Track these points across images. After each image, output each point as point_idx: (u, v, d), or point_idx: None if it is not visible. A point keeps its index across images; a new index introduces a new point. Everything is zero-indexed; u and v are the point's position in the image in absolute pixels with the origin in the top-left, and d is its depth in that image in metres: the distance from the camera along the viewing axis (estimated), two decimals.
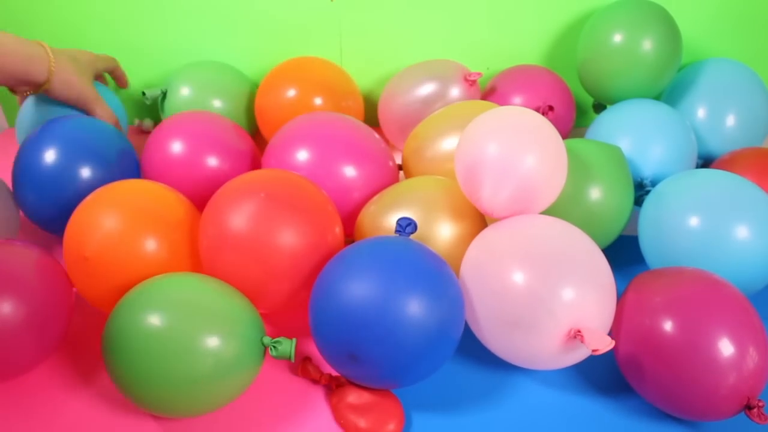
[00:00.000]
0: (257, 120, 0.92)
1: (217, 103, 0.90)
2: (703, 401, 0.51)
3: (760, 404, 0.50)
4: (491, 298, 0.55)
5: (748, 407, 0.50)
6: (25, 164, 0.70)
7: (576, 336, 0.51)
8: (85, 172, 0.69)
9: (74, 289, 0.61)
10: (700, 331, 0.51)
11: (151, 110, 1.00)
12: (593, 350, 0.49)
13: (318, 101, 0.87)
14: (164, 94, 0.92)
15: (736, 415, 0.51)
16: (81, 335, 0.64)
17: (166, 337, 0.50)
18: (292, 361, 0.55)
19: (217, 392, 0.52)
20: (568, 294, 0.52)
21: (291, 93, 0.87)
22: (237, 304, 0.55)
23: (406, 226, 0.57)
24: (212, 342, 0.51)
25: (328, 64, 0.93)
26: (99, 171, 0.69)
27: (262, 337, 0.55)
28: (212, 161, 0.74)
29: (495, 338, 0.57)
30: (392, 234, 0.61)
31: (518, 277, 0.53)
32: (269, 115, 0.89)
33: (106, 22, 0.94)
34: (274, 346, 0.54)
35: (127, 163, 0.74)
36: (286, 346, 0.55)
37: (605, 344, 0.49)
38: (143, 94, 0.92)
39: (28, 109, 0.81)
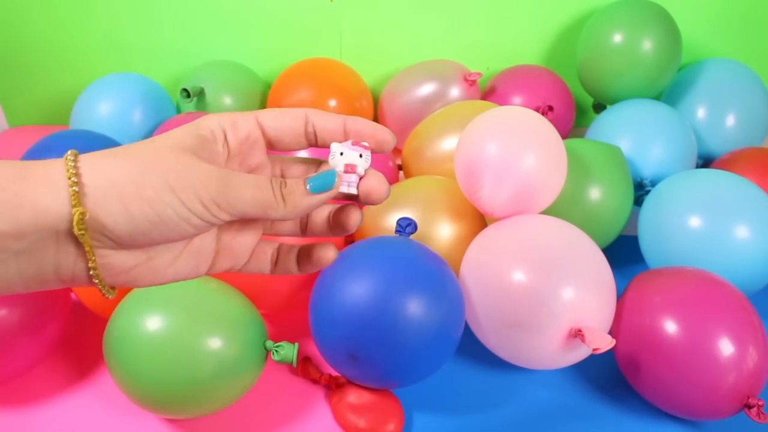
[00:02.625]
0: None
1: (229, 102, 0.90)
2: (702, 400, 0.51)
3: (760, 403, 0.50)
4: (491, 298, 0.55)
5: (748, 406, 0.50)
6: None
7: (577, 335, 0.51)
8: None
9: (72, 292, 0.61)
10: (699, 331, 0.51)
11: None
12: (594, 349, 0.49)
13: (332, 103, 0.87)
14: (203, 91, 0.89)
15: (735, 414, 0.51)
16: (79, 337, 0.64)
17: (169, 339, 0.50)
18: (294, 365, 0.55)
19: (219, 394, 0.52)
20: (568, 293, 0.52)
21: (305, 95, 0.88)
22: (239, 307, 0.55)
23: (406, 226, 0.57)
24: (214, 344, 0.51)
25: (340, 65, 0.93)
26: None
27: (264, 341, 0.55)
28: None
29: (495, 338, 0.57)
30: (392, 234, 0.61)
31: (518, 277, 0.53)
32: None
33: (123, 24, 0.94)
34: (276, 351, 0.54)
35: None
36: (289, 350, 0.54)
37: (606, 343, 0.49)
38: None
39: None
